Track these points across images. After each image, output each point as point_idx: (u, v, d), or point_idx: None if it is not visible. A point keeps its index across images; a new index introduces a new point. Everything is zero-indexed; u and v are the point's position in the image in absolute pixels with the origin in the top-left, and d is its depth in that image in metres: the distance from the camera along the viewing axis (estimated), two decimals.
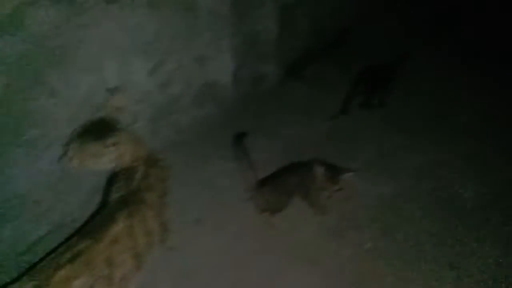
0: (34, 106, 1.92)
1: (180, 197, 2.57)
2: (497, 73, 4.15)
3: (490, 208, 2.67)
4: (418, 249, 2.38)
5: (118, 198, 1.68)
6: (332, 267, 2.26)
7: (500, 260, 2.33)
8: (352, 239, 2.43)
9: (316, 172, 2.38)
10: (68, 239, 1.54)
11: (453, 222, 2.55)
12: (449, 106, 3.71)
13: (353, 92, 3.50)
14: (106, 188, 2.01)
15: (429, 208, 2.65)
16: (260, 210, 2.42)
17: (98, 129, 1.76)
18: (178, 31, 2.48)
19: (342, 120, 3.41)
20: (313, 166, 2.39)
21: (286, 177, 2.44)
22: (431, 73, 4.17)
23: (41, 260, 1.45)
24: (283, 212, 2.49)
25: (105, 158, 1.74)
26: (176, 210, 2.47)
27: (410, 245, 2.40)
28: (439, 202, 2.70)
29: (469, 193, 2.79)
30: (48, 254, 1.47)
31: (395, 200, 2.70)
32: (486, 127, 3.40)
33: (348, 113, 3.47)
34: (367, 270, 2.26)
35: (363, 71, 3.55)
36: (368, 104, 3.59)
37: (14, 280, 1.41)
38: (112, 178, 1.83)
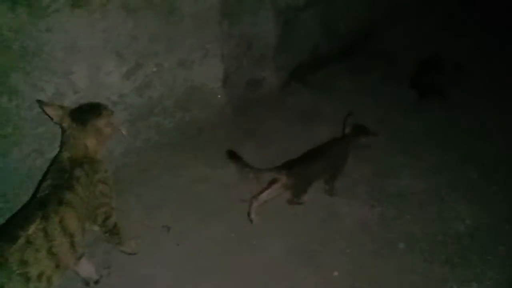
0: None
1: (152, 200, 2.63)
2: None
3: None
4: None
5: (40, 197, 1.73)
6: None
7: None
8: (320, 264, 2.36)
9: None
10: None
11: (439, 257, 2.41)
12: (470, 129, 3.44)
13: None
14: (39, 181, 1.99)
15: (414, 240, 2.51)
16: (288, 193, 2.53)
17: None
18: (157, 34, 2.48)
19: None
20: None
21: (314, 161, 2.58)
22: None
23: None
24: (255, 228, 2.47)
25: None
26: (145, 213, 2.54)
27: (385, 280, 2.27)
28: (427, 234, 2.54)
29: (464, 226, 2.61)
30: None
31: (377, 227, 2.58)
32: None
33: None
34: None
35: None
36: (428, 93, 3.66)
37: None
38: (47, 171, 1.90)
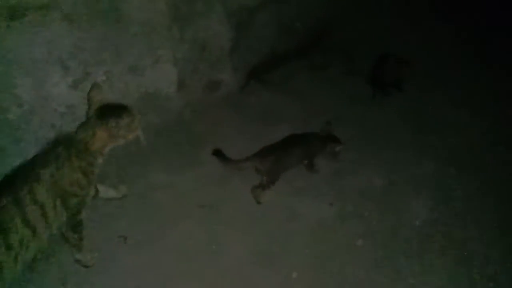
0: None
1: (109, 210, 2.60)
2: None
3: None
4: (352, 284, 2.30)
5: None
6: None
7: None
8: (280, 266, 2.39)
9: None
10: None
11: (396, 251, 2.48)
12: (426, 122, 3.54)
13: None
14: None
15: (371, 236, 2.57)
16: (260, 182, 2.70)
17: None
18: (104, 43, 2.46)
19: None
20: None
21: (290, 149, 2.79)
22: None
23: None
24: (214, 234, 2.48)
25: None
26: (101, 224, 2.52)
27: (343, 278, 2.32)
28: (384, 229, 2.61)
29: (420, 221, 2.68)
30: None
31: (335, 225, 2.63)
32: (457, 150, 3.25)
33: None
34: None
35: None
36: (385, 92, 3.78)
37: None
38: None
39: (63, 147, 2.00)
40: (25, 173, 1.91)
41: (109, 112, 2.06)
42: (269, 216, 2.65)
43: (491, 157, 3.15)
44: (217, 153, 2.75)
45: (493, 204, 2.77)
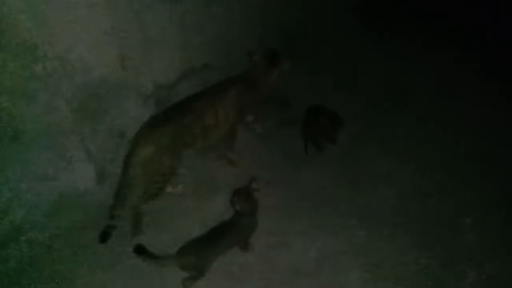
0: None
1: None
2: None
3: None
4: None
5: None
6: None
7: None
8: None
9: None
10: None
11: None
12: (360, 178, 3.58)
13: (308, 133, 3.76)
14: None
15: None
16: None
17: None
18: (4, 162, 2.40)
19: None
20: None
21: (214, 242, 2.71)
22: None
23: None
24: None
25: None
26: None
27: None
28: None
29: None
30: None
31: None
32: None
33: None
34: None
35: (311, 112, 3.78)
36: (318, 146, 3.79)
37: None
38: None
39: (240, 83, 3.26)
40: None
41: (273, 58, 3.40)
42: None
43: (422, 212, 3.23)
44: (139, 250, 2.58)
45: (429, 271, 2.83)
